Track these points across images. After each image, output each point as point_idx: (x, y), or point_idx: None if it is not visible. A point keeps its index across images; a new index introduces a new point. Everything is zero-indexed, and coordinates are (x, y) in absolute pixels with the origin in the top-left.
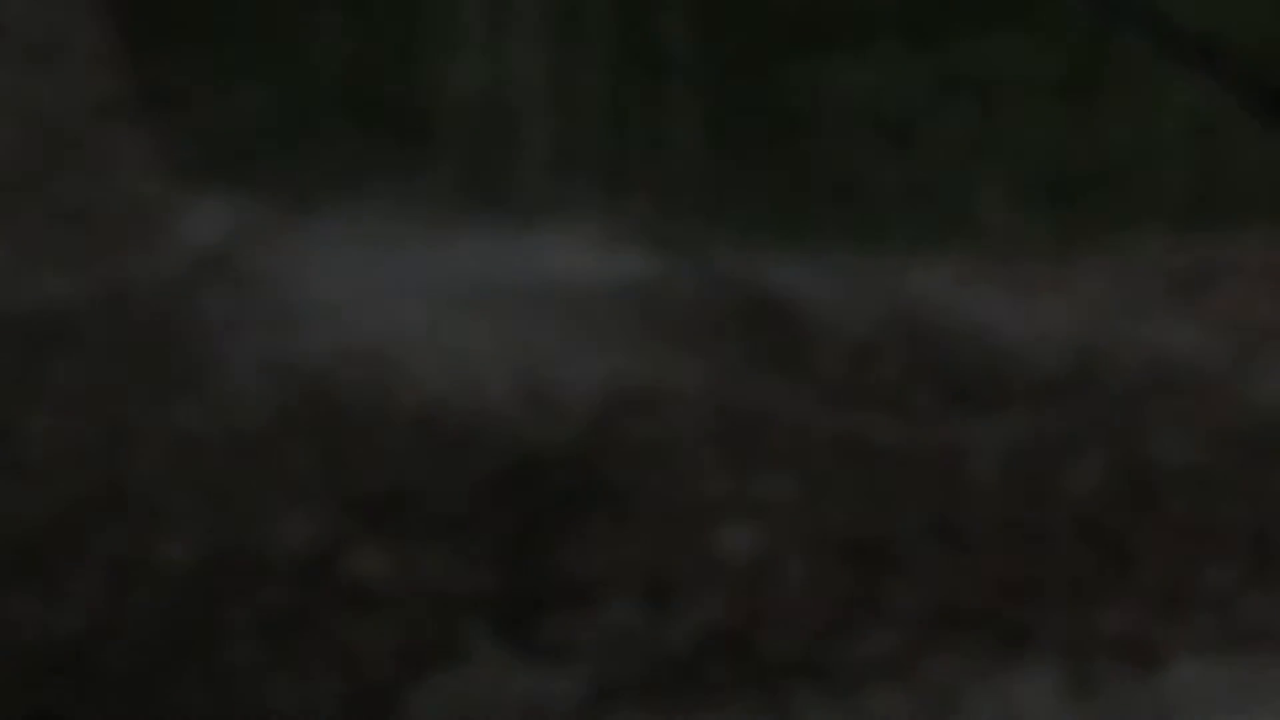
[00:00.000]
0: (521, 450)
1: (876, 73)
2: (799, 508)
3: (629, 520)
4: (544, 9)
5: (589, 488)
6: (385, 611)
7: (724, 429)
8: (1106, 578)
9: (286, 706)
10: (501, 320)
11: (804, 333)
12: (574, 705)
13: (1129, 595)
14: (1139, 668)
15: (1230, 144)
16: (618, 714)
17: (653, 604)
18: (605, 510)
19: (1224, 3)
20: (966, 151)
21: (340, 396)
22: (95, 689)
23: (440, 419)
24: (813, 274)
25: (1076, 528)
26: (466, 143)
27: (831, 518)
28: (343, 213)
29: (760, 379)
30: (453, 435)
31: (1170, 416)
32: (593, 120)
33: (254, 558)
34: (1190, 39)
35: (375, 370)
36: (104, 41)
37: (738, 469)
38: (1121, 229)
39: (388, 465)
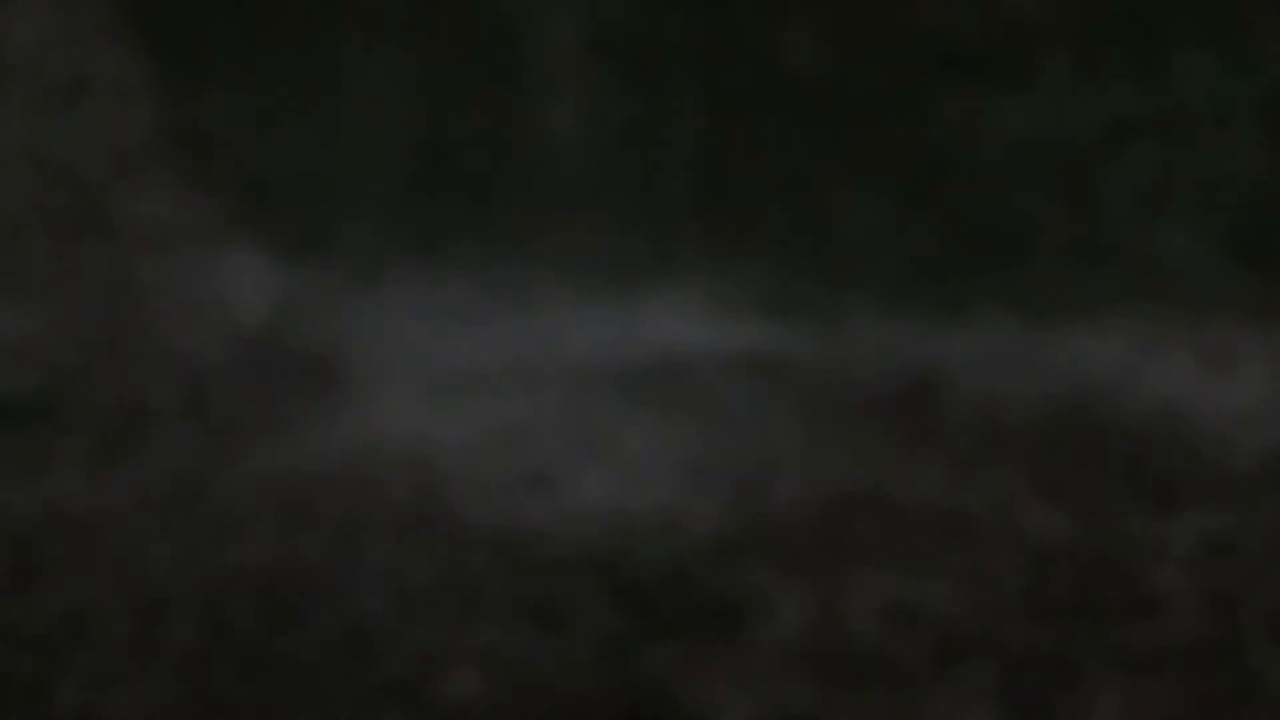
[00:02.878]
0: (627, 554)
1: (1043, 107)
2: (958, 618)
3: (749, 637)
4: (641, 31)
5: (710, 594)
6: None
7: (863, 524)
8: None
9: None
10: (596, 401)
11: (958, 415)
12: None
13: None
14: None
15: None
16: None
17: None
18: (723, 621)
19: None
20: (1149, 196)
21: (404, 496)
22: None
23: (534, 520)
24: (967, 344)
25: None
26: (553, 198)
27: (997, 631)
28: (412, 281)
29: (907, 468)
30: (546, 540)
31: None
32: (698, 167)
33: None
34: None
35: (452, 465)
36: (134, 79)
37: (881, 570)
38: None
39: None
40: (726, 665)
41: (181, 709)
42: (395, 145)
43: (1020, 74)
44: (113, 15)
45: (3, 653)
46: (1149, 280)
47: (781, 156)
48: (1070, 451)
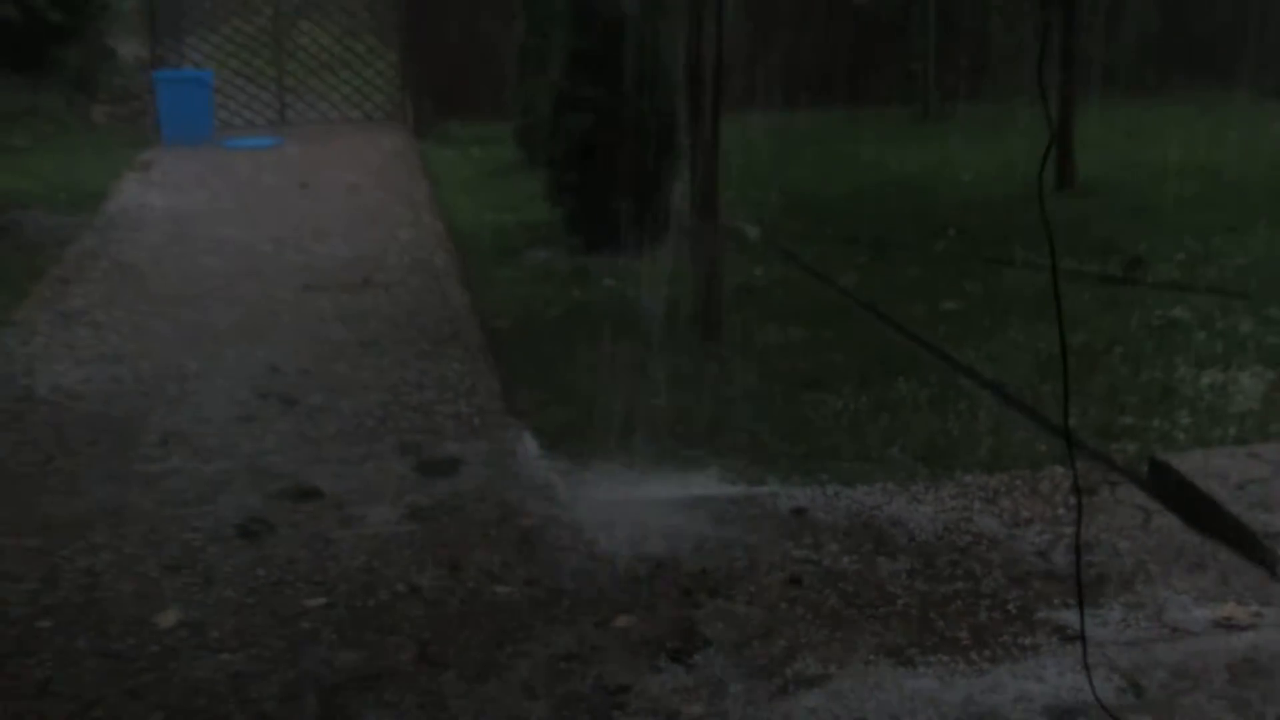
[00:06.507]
0: (666, 564)
1: (847, 401)
2: (784, 596)
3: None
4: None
5: (703, 583)
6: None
7: (753, 559)
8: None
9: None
10: (676, 514)
11: (811, 521)
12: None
13: (917, 612)
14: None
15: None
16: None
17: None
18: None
19: (998, 363)
20: (888, 434)
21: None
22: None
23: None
24: (817, 493)
25: (904, 593)
26: (646, 434)
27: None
28: (607, 462)
29: (788, 543)
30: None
31: (973, 559)
32: (707, 426)
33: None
34: (995, 384)
35: (628, 532)
36: (489, 386)
37: (751, 576)
38: (962, 471)
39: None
40: None
41: None
42: (593, 408)
43: (839, 389)
44: (481, 362)
45: None
46: (890, 467)
47: (742, 423)
48: (856, 536)
